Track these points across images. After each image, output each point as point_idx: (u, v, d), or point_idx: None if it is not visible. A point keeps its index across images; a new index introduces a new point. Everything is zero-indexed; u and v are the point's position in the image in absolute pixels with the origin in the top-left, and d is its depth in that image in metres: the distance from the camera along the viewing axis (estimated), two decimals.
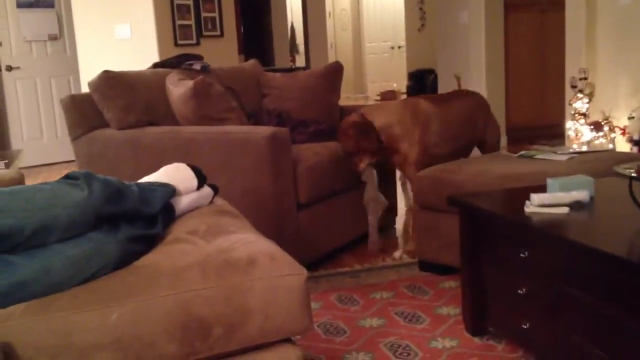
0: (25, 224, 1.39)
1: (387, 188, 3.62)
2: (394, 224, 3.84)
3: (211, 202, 2.04)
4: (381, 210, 3.35)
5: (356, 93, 13.20)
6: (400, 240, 3.57)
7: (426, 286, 2.83)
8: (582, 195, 2.08)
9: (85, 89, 3.79)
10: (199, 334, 1.44)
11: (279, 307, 1.51)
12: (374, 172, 3.27)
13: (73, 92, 6.49)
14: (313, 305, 2.65)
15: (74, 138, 3.34)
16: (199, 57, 3.84)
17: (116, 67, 3.44)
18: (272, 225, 2.79)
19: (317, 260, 3.14)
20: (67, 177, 1.58)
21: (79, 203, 1.47)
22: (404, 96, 11.96)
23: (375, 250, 3.34)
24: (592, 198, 2.13)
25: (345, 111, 3.86)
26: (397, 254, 3.28)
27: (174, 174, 1.92)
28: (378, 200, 3.32)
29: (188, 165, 1.99)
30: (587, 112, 4.82)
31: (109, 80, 3.21)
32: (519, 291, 2.03)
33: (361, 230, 3.49)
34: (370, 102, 12.14)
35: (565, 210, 2.01)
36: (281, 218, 2.89)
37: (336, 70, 3.86)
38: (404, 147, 3.11)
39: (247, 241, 1.63)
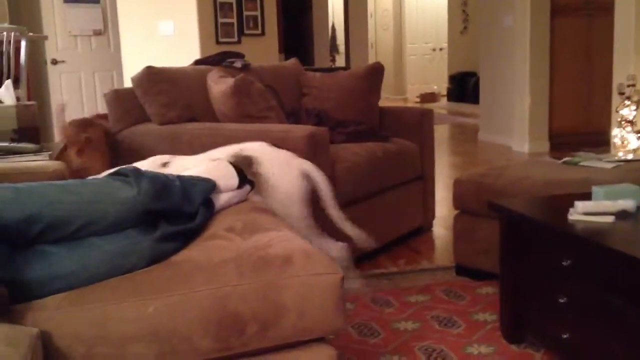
0: (75, 217, 1.41)
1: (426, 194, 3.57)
2: (431, 226, 3.80)
3: (247, 198, 2.04)
4: None
5: (396, 94, 13.13)
6: None
7: (462, 291, 2.79)
8: (628, 204, 2.02)
9: (128, 84, 3.85)
10: (233, 329, 1.43)
11: (314, 305, 1.50)
12: None
13: (116, 87, 6.59)
14: (347, 305, 2.64)
15: (117, 132, 3.38)
16: (240, 55, 3.86)
17: (158, 63, 3.48)
18: None
19: (353, 261, 3.12)
20: (117, 173, 1.60)
21: (128, 200, 1.49)
22: (444, 99, 11.84)
23: None
24: (638, 207, 2.07)
25: (385, 112, 3.84)
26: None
27: (216, 171, 1.93)
28: None
29: (230, 163, 2.00)
30: (634, 120, 4.70)
31: (152, 76, 3.24)
32: (560, 300, 1.98)
33: (398, 232, 3.46)
34: (410, 104, 12.05)
35: (611, 219, 1.95)
36: (318, 218, 2.87)
37: (377, 71, 3.83)
38: None
39: (283, 239, 1.63)
